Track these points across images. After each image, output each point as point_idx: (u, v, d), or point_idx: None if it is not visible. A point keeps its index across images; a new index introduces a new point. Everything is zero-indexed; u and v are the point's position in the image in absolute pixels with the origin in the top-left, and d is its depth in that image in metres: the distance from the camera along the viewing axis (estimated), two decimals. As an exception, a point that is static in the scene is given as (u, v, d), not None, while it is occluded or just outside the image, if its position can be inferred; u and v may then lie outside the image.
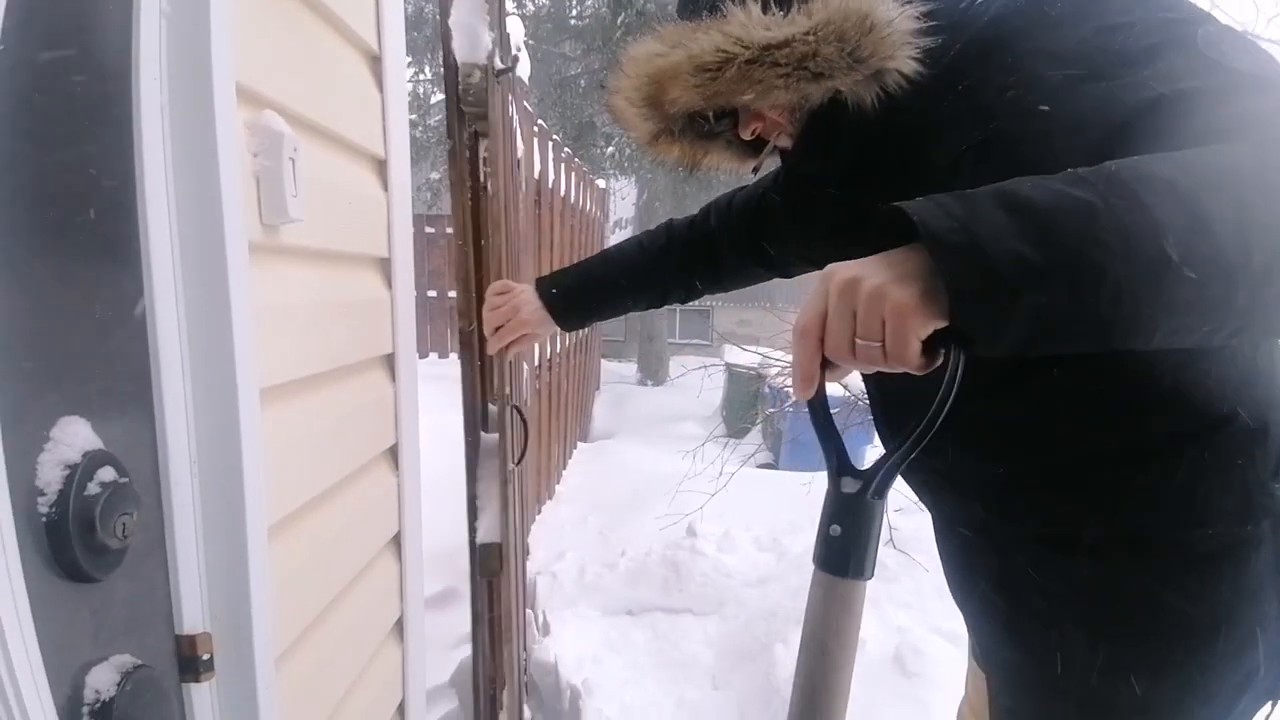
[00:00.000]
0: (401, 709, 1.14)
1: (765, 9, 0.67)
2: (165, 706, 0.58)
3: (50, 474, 0.48)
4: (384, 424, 1.05)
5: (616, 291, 1.09)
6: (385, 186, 1.05)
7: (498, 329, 1.05)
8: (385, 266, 1.06)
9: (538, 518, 3.32)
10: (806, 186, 0.86)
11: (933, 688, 1.78)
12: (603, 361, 8.20)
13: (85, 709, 0.51)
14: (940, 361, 0.52)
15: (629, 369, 10.30)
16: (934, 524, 0.93)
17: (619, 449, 4.90)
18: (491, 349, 1.08)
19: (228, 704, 0.65)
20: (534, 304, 1.05)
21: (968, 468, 0.77)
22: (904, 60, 0.66)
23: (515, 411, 1.38)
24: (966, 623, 0.92)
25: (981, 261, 0.46)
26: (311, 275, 0.84)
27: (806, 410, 0.62)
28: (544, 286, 1.07)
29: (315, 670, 0.84)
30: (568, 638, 2.37)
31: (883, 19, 0.65)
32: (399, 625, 1.12)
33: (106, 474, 0.51)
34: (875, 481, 0.56)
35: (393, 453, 1.09)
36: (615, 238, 10.03)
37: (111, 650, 0.54)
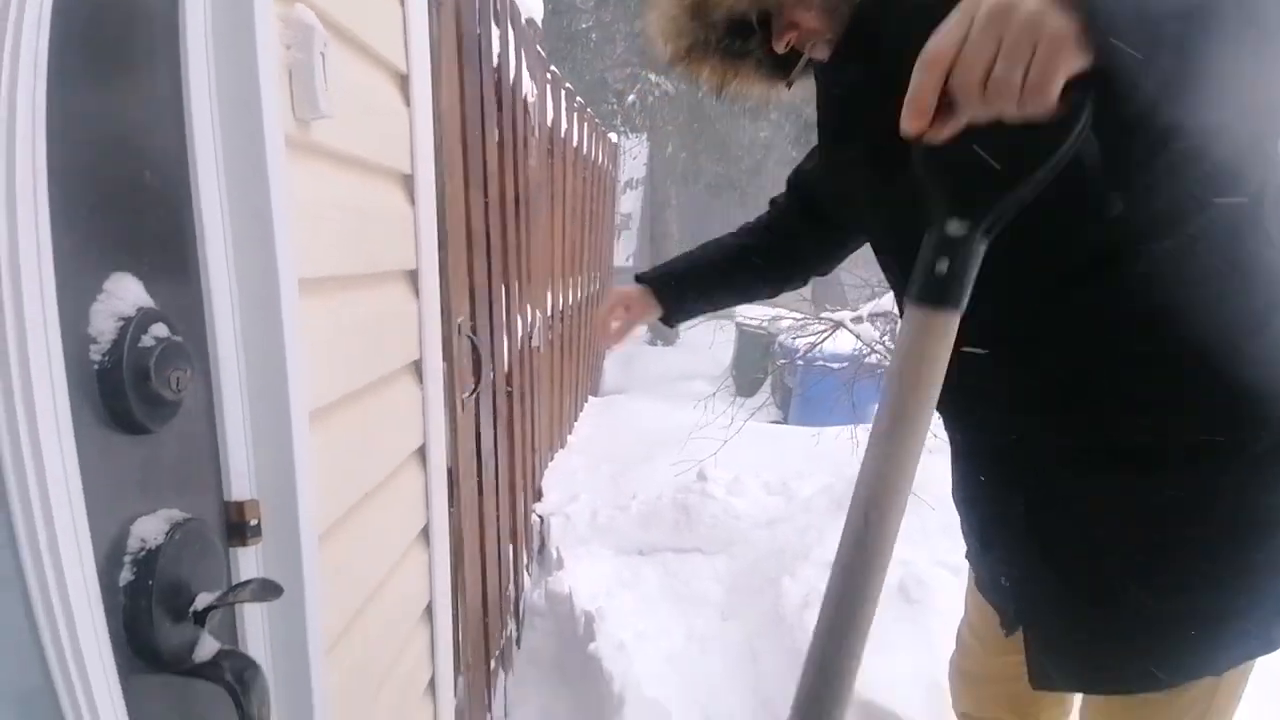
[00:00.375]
0: (429, 610, 1.19)
1: None
2: (214, 560, 0.61)
3: (103, 324, 0.50)
4: (408, 337, 1.08)
5: (717, 276, 1.15)
6: (408, 102, 1.06)
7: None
8: (408, 183, 1.08)
9: (550, 464, 3.38)
10: (844, 154, 0.86)
11: (933, 614, 1.83)
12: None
13: (129, 557, 0.52)
14: (1065, 112, 0.49)
15: (639, 329, 10.31)
16: (958, 453, 0.92)
17: (630, 404, 4.95)
18: (603, 340, 1.19)
19: (274, 570, 0.69)
20: (631, 287, 1.15)
21: (1011, 379, 0.76)
22: None
23: (469, 340, 1.40)
24: (983, 556, 0.91)
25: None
26: (341, 179, 0.86)
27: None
28: (644, 274, 1.17)
29: (351, 556, 0.89)
30: (581, 572, 2.45)
31: None
32: (425, 532, 1.17)
33: (160, 330, 0.54)
34: (985, 222, 0.55)
35: (417, 367, 1.12)
36: (626, 198, 9.93)
37: (160, 504, 0.56)
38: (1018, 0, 0.46)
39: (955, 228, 0.55)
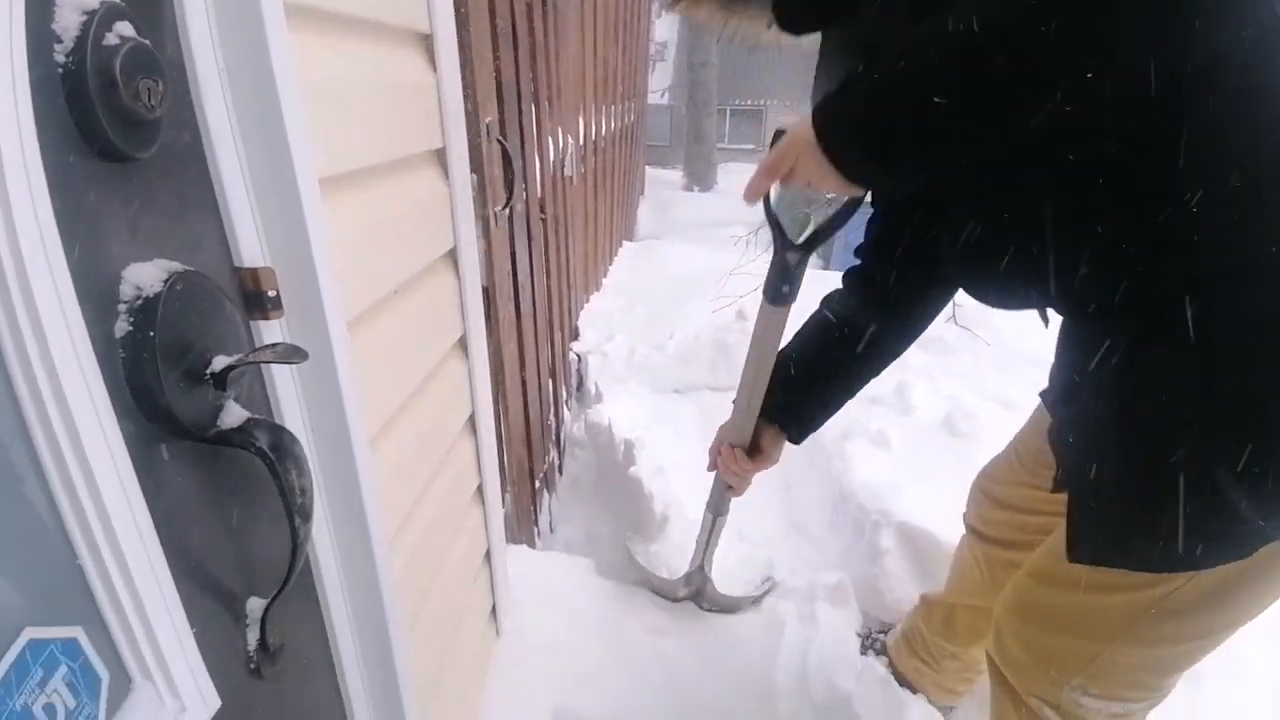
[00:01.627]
0: (473, 422, 1.18)
1: None
2: (230, 325, 0.55)
3: (68, 18, 0.41)
4: (429, 120, 0.96)
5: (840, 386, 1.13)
6: None
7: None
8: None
9: (586, 305, 3.34)
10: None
11: (977, 445, 1.81)
12: (647, 168, 7.81)
13: (123, 305, 0.46)
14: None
15: (674, 175, 9.86)
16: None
17: (666, 248, 4.81)
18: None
19: (302, 345, 0.64)
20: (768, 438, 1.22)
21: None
22: None
23: (499, 145, 1.26)
24: (1058, 409, 0.89)
25: None
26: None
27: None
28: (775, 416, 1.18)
29: (383, 353, 0.84)
30: (619, 407, 2.47)
31: None
32: (462, 343, 1.13)
33: (125, 29, 0.44)
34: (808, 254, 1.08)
35: (440, 158, 1.01)
36: (661, 23, 9.01)
37: (156, 254, 0.49)
38: (793, 148, 0.75)
39: (792, 258, 1.06)
